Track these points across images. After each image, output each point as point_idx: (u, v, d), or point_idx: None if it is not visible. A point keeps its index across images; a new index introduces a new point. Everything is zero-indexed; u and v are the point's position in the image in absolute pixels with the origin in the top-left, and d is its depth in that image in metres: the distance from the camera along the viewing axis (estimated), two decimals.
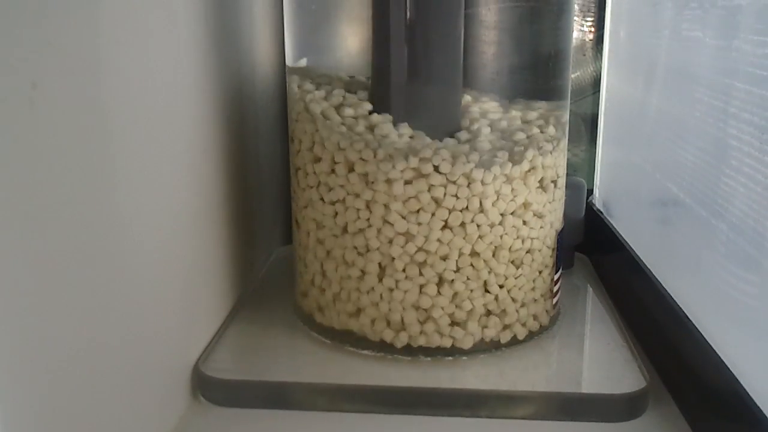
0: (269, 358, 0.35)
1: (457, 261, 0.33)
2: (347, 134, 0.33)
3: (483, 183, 0.32)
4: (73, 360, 0.23)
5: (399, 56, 0.32)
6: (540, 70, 0.35)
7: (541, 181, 0.34)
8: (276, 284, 0.42)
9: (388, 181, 0.32)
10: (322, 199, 0.34)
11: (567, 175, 0.37)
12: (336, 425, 0.31)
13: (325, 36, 0.36)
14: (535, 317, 0.36)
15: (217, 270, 0.37)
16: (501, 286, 0.34)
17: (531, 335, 0.36)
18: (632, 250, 0.41)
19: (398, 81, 0.32)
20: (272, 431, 0.32)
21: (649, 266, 0.39)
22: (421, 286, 0.33)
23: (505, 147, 0.33)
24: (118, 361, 0.26)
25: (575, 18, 0.51)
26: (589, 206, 0.49)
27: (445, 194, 0.32)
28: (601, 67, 0.51)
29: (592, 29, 0.52)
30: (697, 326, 0.32)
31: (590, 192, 0.51)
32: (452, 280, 0.33)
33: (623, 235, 0.44)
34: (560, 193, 0.36)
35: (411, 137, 0.32)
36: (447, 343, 0.34)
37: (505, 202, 0.33)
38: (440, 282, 0.33)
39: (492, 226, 0.33)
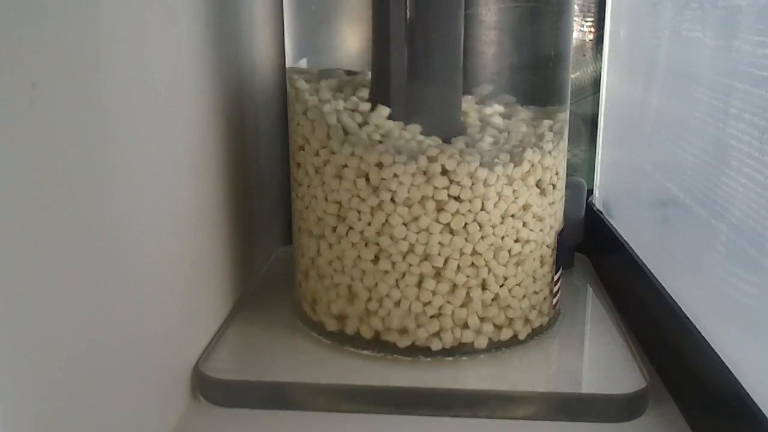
0: (269, 358, 0.35)
1: (458, 261, 0.33)
2: (348, 134, 0.33)
3: (486, 184, 0.32)
4: (73, 360, 0.23)
5: (399, 56, 0.32)
6: (540, 71, 0.35)
7: (541, 181, 0.34)
8: (276, 284, 0.42)
9: (392, 182, 0.32)
10: (323, 199, 0.34)
11: (567, 175, 0.37)
12: (336, 425, 0.31)
13: (325, 36, 0.36)
14: (535, 317, 0.36)
15: (217, 270, 0.37)
16: (501, 286, 0.34)
17: (531, 335, 0.36)
18: (632, 250, 0.41)
19: (398, 81, 0.32)
20: (272, 431, 0.32)
21: (649, 266, 0.39)
22: (422, 287, 0.33)
23: (505, 147, 0.33)
24: (118, 361, 0.26)
25: (575, 18, 0.51)
26: (589, 206, 0.49)
27: (448, 194, 0.32)
28: (601, 67, 0.51)
29: (592, 29, 0.52)
30: (697, 326, 0.32)
31: (590, 192, 0.51)
32: (453, 281, 0.33)
33: (623, 235, 0.44)
34: (560, 193, 0.36)
35: (416, 137, 0.32)
36: (447, 343, 0.34)
37: (506, 202, 0.33)
38: (441, 282, 0.33)
39: (494, 226, 0.33)
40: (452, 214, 0.32)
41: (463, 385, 0.32)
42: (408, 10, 0.31)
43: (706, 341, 0.31)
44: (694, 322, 0.32)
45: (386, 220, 0.32)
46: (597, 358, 0.36)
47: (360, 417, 0.32)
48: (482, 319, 0.34)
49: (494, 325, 0.34)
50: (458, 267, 0.33)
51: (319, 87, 0.34)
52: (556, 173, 0.35)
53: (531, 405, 0.31)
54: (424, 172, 0.32)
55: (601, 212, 0.49)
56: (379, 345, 0.34)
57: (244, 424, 0.32)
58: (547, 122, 0.34)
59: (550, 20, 0.35)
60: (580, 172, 0.53)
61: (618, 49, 0.48)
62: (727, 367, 0.28)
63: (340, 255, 0.34)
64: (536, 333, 0.36)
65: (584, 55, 0.52)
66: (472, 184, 0.32)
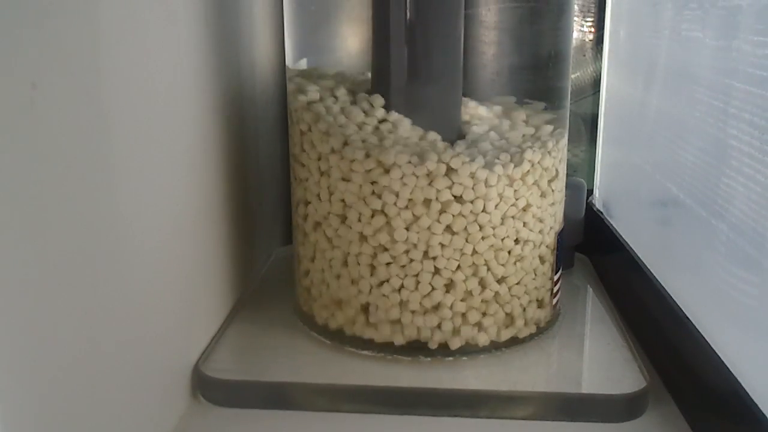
0: (269, 358, 0.35)
1: (458, 261, 0.33)
2: (348, 135, 0.32)
3: (487, 184, 0.32)
4: (73, 360, 0.23)
5: (399, 57, 0.32)
6: (540, 71, 0.35)
7: (541, 181, 0.34)
8: (276, 284, 0.42)
9: (396, 183, 0.32)
10: (323, 199, 0.34)
11: (567, 175, 0.37)
12: (336, 425, 0.31)
13: (325, 36, 0.36)
14: (535, 317, 0.36)
15: (217, 270, 0.37)
16: (501, 286, 0.34)
17: (531, 335, 0.36)
18: (632, 250, 0.41)
19: (398, 81, 0.32)
20: (272, 431, 0.32)
21: (649, 266, 0.39)
22: (422, 287, 0.33)
23: (505, 148, 0.33)
24: (118, 361, 0.26)
25: (575, 18, 0.51)
26: (589, 206, 0.49)
27: (451, 194, 0.32)
28: (601, 68, 0.51)
29: (592, 29, 0.52)
30: (697, 326, 0.32)
31: (590, 192, 0.51)
32: (453, 281, 0.33)
33: (623, 236, 0.44)
34: (560, 193, 0.36)
35: (417, 137, 0.32)
36: (447, 342, 0.34)
37: (507, 203, 0.33)
38: (441, 282, 0.33)
39: (494, 227, 0.33)
40: (454, 216, 0.32)
41: (463, 385, 0.32)
42: (408, 11, 0.31)
43: (706, 341, 0.31)
44: (694, 322, 0.32)
45: (387, 221, 0.32)
46: (597, 358, 0.36)
47: (360, 417, 0.32)
48: (482, 319, 0.34)
49: (494, 324, 0.34)
50: (458, 267, 0.33)
51: (319, 87, 0.34)
52: (556, 173, 0.35)
53: (531, 405, 0.31)
54: (428, 174, 0.32)
55: (601, 212, 0.49)
56: (379, 345, 0.34)
57: (244, 424, 0.32)
58: (547, 122, 0.34)
59: (550, 20, 0.35)
60: (580, 172, 0.53)
61: (618, 49, 0.48)
62: (727, 367, 0.28)
63: (341, 255, 0.34)
64: (536, 333, 0.36)
65: (584, 55, 0.53)
66: (474, 184, 0.32)
